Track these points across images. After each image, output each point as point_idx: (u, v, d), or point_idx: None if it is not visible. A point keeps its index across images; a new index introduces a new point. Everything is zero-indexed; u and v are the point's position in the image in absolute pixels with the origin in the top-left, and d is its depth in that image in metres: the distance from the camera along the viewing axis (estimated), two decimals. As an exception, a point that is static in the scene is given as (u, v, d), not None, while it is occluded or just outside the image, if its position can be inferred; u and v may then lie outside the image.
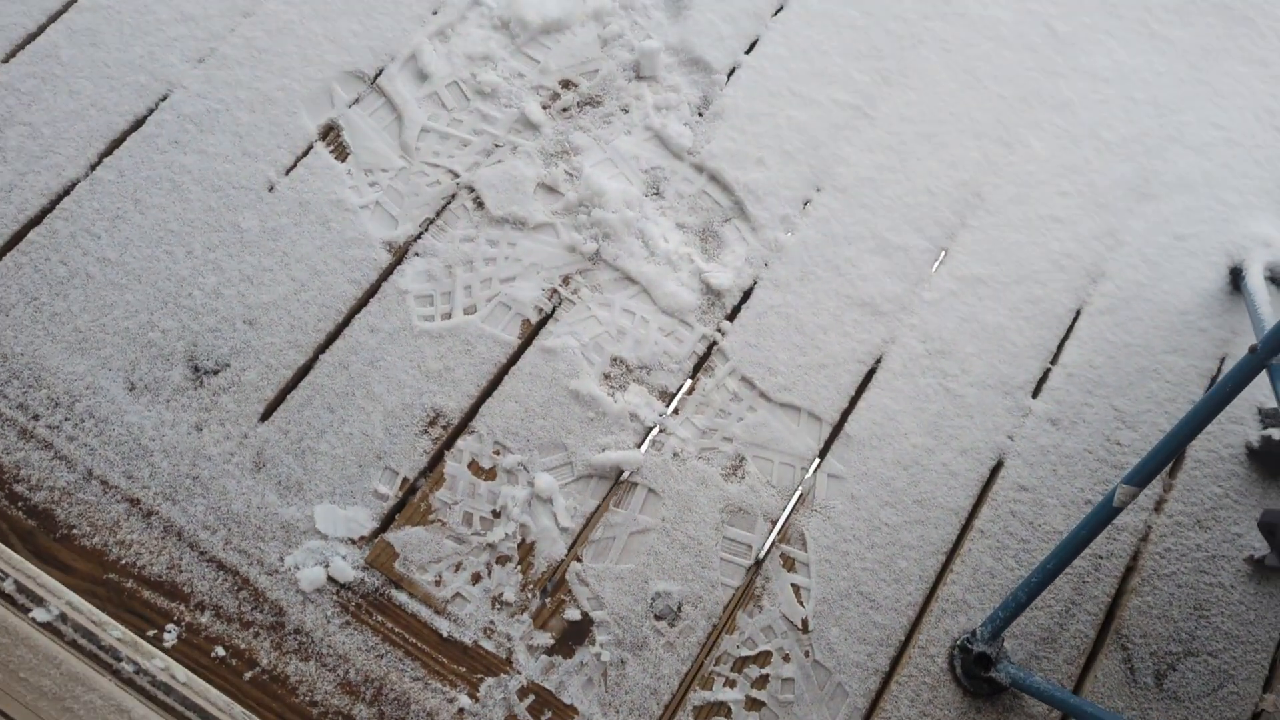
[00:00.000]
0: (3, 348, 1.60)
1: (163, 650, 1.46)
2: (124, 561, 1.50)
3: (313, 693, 1.48)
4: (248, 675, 1.47)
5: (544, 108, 1.90)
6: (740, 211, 1.89)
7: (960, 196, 1.95)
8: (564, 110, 1.91)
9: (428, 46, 1.90)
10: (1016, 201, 1.96)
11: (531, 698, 1.51)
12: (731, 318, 1.80)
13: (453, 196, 1.82)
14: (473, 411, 1.69)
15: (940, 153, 1.98)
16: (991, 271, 1.89)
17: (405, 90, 1.87)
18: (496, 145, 1.86)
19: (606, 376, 1.73)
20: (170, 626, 1.48)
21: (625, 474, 1.66)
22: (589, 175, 1.84)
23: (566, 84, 1.93)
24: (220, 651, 1.48)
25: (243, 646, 1.48)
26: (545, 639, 1.55)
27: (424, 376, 1.68)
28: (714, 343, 1.78)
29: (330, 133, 1.83)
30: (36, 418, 1.56)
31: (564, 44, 1.95)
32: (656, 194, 1.88)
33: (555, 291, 1.78)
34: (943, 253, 1.90)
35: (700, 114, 1.95)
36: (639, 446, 1.69)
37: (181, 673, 1.43)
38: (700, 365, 1.77)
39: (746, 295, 1.82)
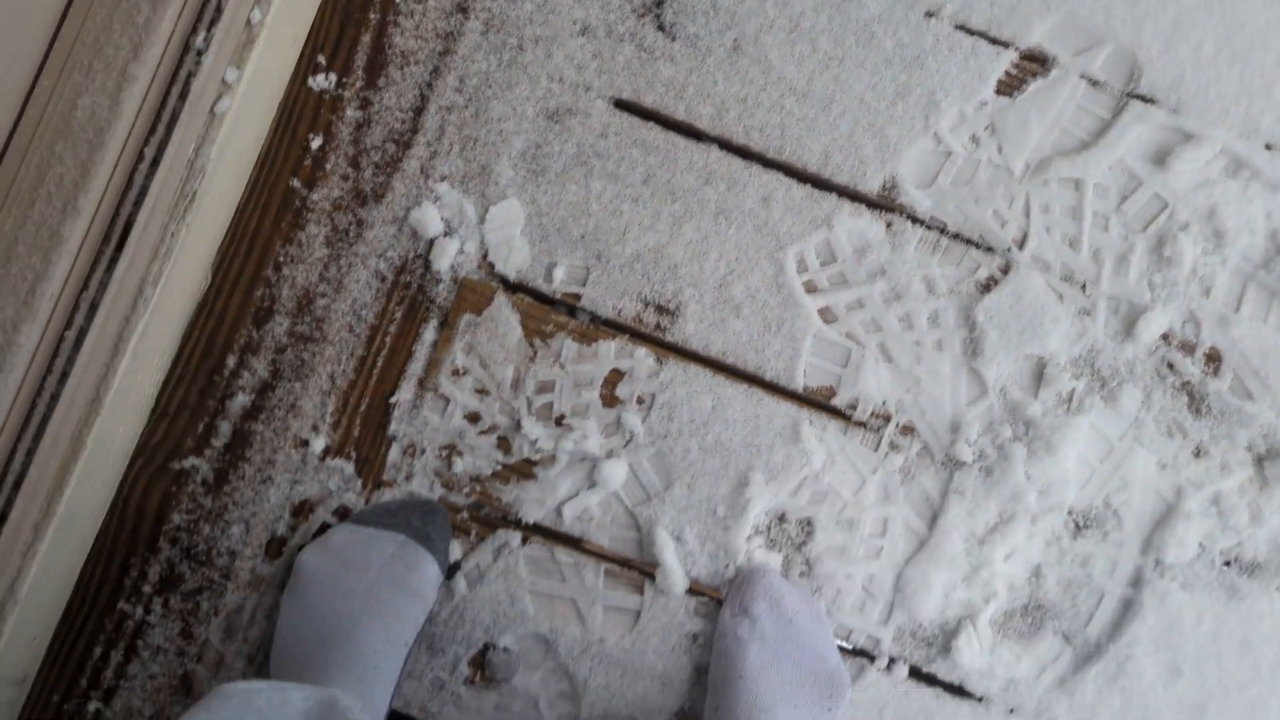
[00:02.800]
0: None
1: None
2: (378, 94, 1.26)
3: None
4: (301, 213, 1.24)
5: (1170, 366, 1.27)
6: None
7: None
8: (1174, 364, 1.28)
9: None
10: None
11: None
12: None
13: (977, 263, 1.28)
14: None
15: None
16: None
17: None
18: (1066, 278, 1.27)
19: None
20: (317, 137, 1.26)
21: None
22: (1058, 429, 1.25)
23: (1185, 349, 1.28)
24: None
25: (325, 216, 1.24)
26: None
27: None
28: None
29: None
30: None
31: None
32: (1078, 531, 1.27)
33: (907, 428, 1.27)
34: None
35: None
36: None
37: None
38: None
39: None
